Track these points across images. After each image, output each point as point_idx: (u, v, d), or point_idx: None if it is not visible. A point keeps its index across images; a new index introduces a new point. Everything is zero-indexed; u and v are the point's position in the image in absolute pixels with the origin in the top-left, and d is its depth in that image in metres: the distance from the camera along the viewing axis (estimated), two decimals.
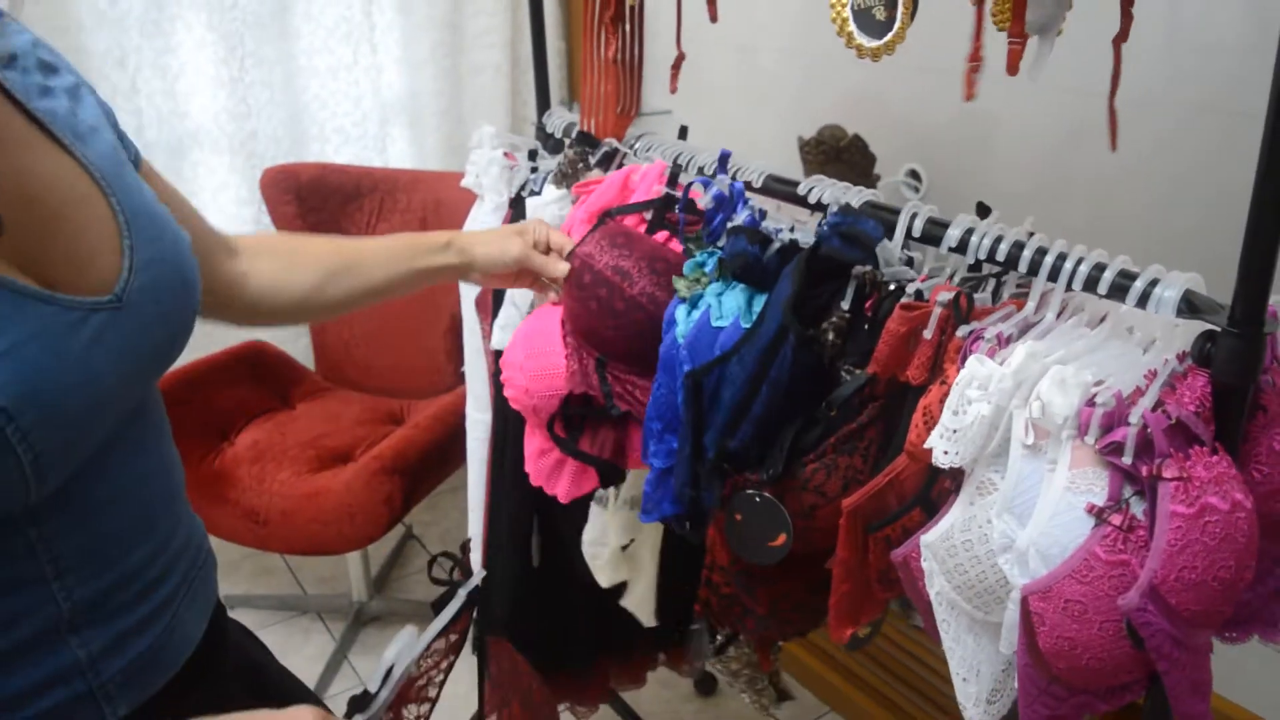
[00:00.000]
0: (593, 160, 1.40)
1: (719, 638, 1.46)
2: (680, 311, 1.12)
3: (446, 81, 2.80)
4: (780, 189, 1.24)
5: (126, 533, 0.77)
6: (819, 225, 1.08)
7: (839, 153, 2.02)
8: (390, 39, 2.73)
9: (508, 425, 1.53)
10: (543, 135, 1.64)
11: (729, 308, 1.09)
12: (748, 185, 1.23)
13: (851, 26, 0.96)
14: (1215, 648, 1.03)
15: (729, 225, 1.15)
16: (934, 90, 1.95)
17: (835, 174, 2.01)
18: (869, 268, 1.02)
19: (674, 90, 1.40)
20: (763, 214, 1.17)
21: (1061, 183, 1.87)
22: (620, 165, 1.41)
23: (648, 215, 1.24)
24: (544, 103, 1.68)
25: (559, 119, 1.61)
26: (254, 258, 1.05)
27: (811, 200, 1.19)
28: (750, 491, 1.08)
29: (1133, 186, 1.77)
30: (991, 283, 1.05)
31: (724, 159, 1.26)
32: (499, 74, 2.86)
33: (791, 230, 1.12)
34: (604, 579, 1.52)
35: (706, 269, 1.13)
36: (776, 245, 1.08)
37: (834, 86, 2.30)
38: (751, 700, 1.48)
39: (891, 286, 1.00)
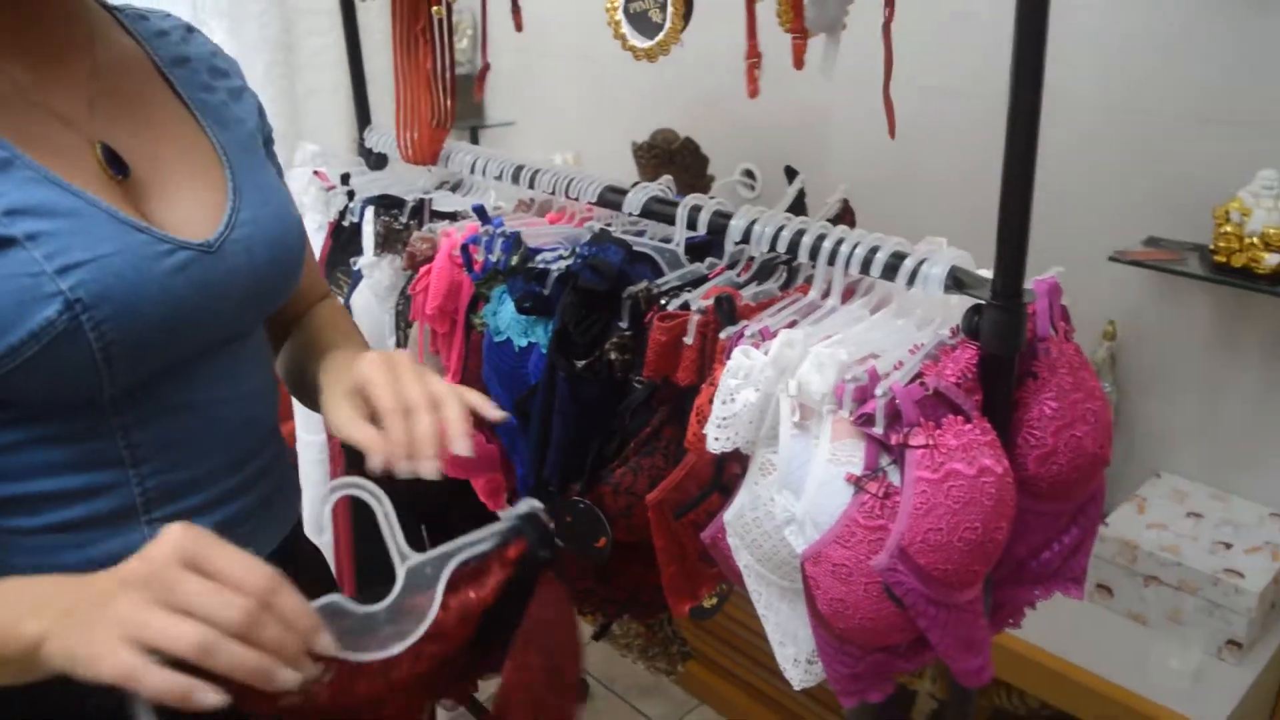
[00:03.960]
0: (402, 219, 1.39)
1: (594, 627, 1.48)
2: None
3: (283, 103, 2.74)
4: (614, 199, 1.24)
5: (199, 442, 0.87)
6: (574, 257, 1.12)
7: (671, 156, 2.05)
8: None
9: None
10: (364, 152, 1.63)
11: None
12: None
13: (625, 29, 0.99)
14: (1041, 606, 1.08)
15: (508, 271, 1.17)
16: (768, 91, 2.00)
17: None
18: (642, 285, 1.07)
19: (479, 99, 1.41)
20: (533, 251, 1.18)
21: (893, 175, 1.94)
22: (427, 215, 1.42)
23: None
24: (364, 119, 1.67)
25: (380, 135, 1.61)
26: None
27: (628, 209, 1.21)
28: (575, 499, 1.14)
29: (960, 178, 1.84)
30: (784, 270, 1.09)
31: (479, 211, 1.27)
32: (337, 93, 2.81)
33: (571, 254, 1.14)
34: None
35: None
36: (554, 275, 1.12)
37: (674, 91, 2.33)
38: (647, 667, 1.49)
39: (662, 302, 1.05)
